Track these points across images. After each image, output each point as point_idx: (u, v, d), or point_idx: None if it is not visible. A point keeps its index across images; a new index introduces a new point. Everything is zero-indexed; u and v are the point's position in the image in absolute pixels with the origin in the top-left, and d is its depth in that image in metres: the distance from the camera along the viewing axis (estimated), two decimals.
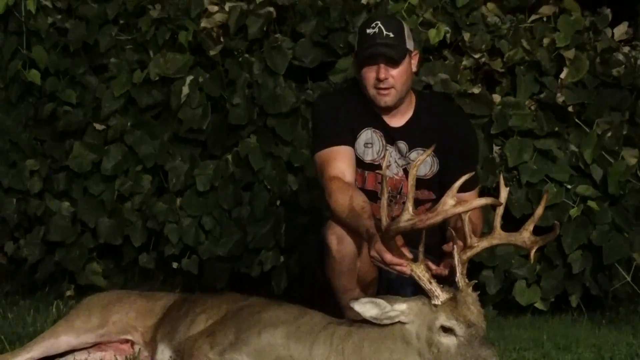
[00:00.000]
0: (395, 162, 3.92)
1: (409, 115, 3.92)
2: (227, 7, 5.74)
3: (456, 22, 5.35)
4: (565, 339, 4.47)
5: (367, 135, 3.89)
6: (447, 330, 3.07)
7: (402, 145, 3.90)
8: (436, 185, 3.89)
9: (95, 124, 5.80)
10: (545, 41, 5.25)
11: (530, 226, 3.26)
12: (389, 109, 3.87)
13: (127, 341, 4.00)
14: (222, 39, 5.66)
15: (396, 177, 3.92)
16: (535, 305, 5.22)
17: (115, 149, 5.75)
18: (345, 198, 3.61)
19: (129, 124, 5.74)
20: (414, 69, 3.90)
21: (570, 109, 5.11)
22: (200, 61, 5.70)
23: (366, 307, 3.16)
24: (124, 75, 5.76)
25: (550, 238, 3.28)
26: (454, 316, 3.07)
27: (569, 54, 5.15)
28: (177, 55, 5.65)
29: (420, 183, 3.82)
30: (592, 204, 5.04)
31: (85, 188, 5.85)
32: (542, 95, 5.15)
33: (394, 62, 3.77)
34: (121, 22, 5.88)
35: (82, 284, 5.93)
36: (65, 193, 5.94)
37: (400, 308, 3.16)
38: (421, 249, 3.18)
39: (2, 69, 6.08)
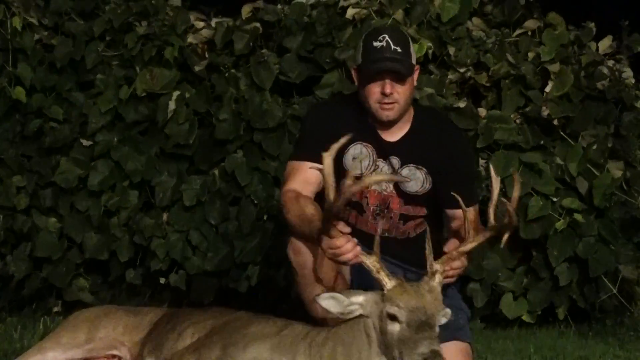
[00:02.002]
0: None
1: (405, 130, 3.86)
2: (213, 23, 5.77)
3: (441, 37, 5.37)
4: (553, 351, 4.49)
5: (355, 149, 3.81)
6: (392, 317, 3.07)
7: (395, 160, 3.85)
8: (430, 202, 3.84)
9: (82, 140, 5.80)
10: (530, 55, 5.28)
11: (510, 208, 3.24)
12: (388, 124, 3.82)
13: (114, 356, 3.99)
14: (207, 55, 5.68)
15: (384, 192, 3.88)
16: (523, 318, 5.23)
17: (102, 165, 5.75)
18: (296, 207, 3.58)
19: (115, 139, 5.74)
20: (415, 83, 3.84)
21: (555, 122, 5.14)
22: (186, 77, 5.70)
23: (329, 303, 3.17)
24: (110, 91, 5.76)
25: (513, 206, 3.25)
26: (396, 303, 3.06)
27: (554, 67, 5.18)
28: (164, 71, 5.66)
29: (413, 199, 3.82)
30: (578, 216, 5.06)
31: (72, 204, 5.84)
32: (527, 109, 5.18)
33: (401, 78, 3.72)
34: (107, 38, 5.88)
35: (69, 299, 5.91)
36: (52, 209, 5.92)
37: (357, 300, 3.17)
38: (377, 238, 3.18)
39: None
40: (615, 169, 5.15)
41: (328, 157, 3.15)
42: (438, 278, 3.17)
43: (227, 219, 5.53)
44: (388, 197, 3.89)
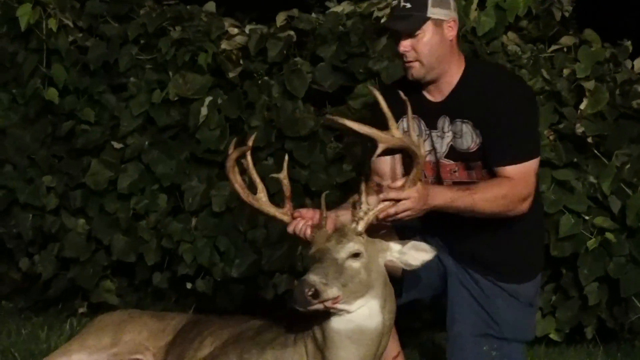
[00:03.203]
0: (433, 146, 3.83)
1: (453, 85, 3.77)
2: (247, 30, 5.76)
3: (476, 51, 5.34)
4: None
5: (403, 126, 3.70)
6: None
7: (445, 119, 3.79)
8: (482, 159, 3.76)
9: (112, 142, 5.81)
10: (565, 72, 5.23)
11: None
12: (427, 83, 3.77)
13: None
14: (241, 61, 5.67)
15: (441, 160, 3.83)
16: (550, 336, 5.18)
17: (132, 168, 5.76)
18: None
19: (146, 143, 5.75)
20: (450, 37, 3.73)
21: (589, 140, 5.08)
22: (219, 83, 5.70)
23: None
24: (142, 95, 5.77)
25: None
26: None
27: (589, 85, 5.13)
28: (197, 77, 5.66)
29: (467, 156, 3.77)
30: (609, 235, 4.99)
31: (101, 205, 5.86)
32: (561, 126, 5.13)
33: (410, 34, 3.65)
34: (142, 42, 5.88)
35: (95, 301, 5.93)
36: (81, 210, 5.94)
37: None
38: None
39: (22, 86, 6.11)
40: None
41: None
42: (355, 221, 3.31)
43: (255, 226, 5.52)
44: (441, 166, 3.84)
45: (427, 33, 3.67)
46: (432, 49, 3.68)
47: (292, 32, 5.63)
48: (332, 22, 5.57)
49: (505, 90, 3.74)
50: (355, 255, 3.26)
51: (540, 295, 5.08)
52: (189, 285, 5.76)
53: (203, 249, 5.62)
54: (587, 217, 5.04)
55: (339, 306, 3.20)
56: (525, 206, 3.68)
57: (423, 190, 3.39)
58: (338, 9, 5.64)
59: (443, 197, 3.51)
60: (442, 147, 3.81)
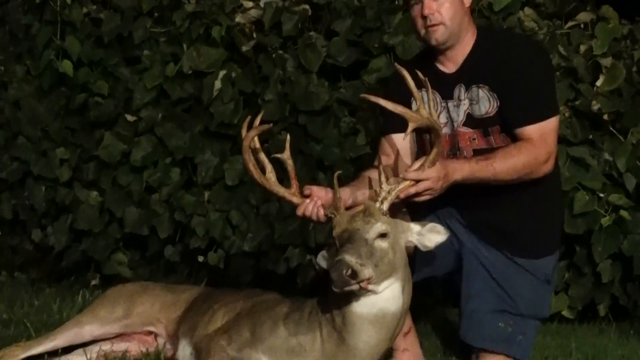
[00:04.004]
0: (449, 117, 3.84)
1: (466, 53, 3.80)
2: (262, 4, 5.71)
3: (492, 26, 5.30)
4: (594, 348, 4.43)
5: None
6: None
7: (460, 88, 3.81)
8: (499, 123, 3.78)
9: (126, 115, 5.81)
10: (582, 48, 5.18)
11: None
12: (444, 50, 3.79)
13: (150, 333, 4.02)
14: (255, 35, 5.64)
15: (458, 128, 3.84)
16: (563, 313, 5.16)
17: (145, 141, 5.75)
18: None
19: (160, 116, 5.73)
20: (467, 3, 3.80)
21: (605, 117, 5.04)
22: (233, 56, 5.67)
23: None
24: (156, 68, 5.75)
25: None
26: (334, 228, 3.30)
27: (606, 61, 5.08)
28: (211, 50, 5.63)
29: (485, 122, 3.78)
30: (624, 213, 4.95)
31: (114, 178, 5.86)
32: (577, 103, 5.08)
33: None
34: (156, 14, 5.85)
35: (107, 273, 5.95)
36: (94, 182, 5.96)
37: None
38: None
39: (36, 58, 6.11)
40: None
41: None
42: (379, 201, 3.32)
43: (268, 200, 5.50)
44: (454, 138, 3.85)
45: None
46: (455, 13, 3.73)
47: (307, 6, 5.58)
48: None
49: (518, 50, 3.77)
50: (383, 235, 3.26)
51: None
52: (201, 259, 5.75)
53: (215, 222, 5.61)
54: (601, 195, 5.00)
55: (370, 287, 3.19)
56: (548, 167, 3.71)
57: (442, 169, 3.40)
58: None
59: (462, 171, 3.51)
60: (460, 115, 3.82)
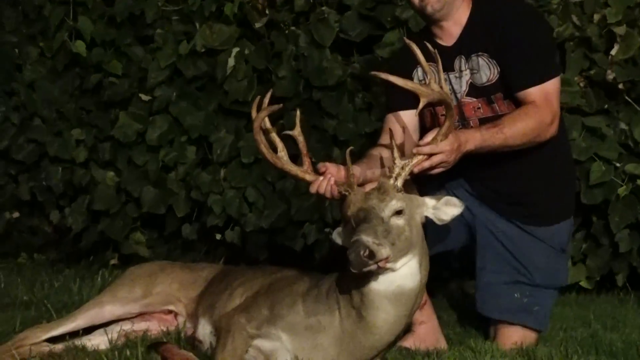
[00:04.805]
0: (452, 89, 3.84)
1: (463, 24, 3.83)
2: None
3: None
4: (612, 318, 4.43)
5: (418, 74, 3.86)
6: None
7: (461, 59, 3.84)
8: (502, 89, 3.80)
9: (140, 95, 5.82)
10: (596, 17, 5.13)
11: None
12: (440, 21, 3.82)
13: (170, 312, 4.03)
14: (267, 12, 5.62)
15: (462, 99, 3.86)
16: (581, 283, 5.16)
17: (160, 120, 5.76)
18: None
19: (174, 94, 5.74)
20: None
21: (620, 86, 5.01)
22: (246, 33, 5.66)
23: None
24: (169, 47, 5.75)
25: None
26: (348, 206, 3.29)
27: (620, 30, 5.04)
28: (223, 27, 5.63)
29: (488, 90, 3.79)
30: None
31: (130, 158, 5.88)
32: (591, 72, 5.06)
33: None
34: None
35: (125, 253, 5.98)
36: (110, 163, 5.98)
37: None
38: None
39: (49, 39, 6.12)
40: None
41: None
42: (393, 178, 3.30)
43: (284, 177, 5.50)
44: (464, 105, 3.85)
45: None
46: None
47: None
48: None
49: (514, 16, 3.79)
50: (399, 212, 3.24)
51: (571, 243, 5.05)
52: (218, 236, 5.78)
53: (232, 200, 5.63)
54: (618, 164, 4.98)
55: (388, 265, 3.19)
56: (553, 129, 3.72)
57: (455, 140, 3.39)
58: None
59: (474, 140, 3.51)
60: (462, 86, 3.85)
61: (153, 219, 6.00)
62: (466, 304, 4.69)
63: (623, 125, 5.01)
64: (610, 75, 4.98)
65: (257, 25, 5.57)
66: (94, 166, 6.02)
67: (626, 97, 5.04)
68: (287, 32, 5.55)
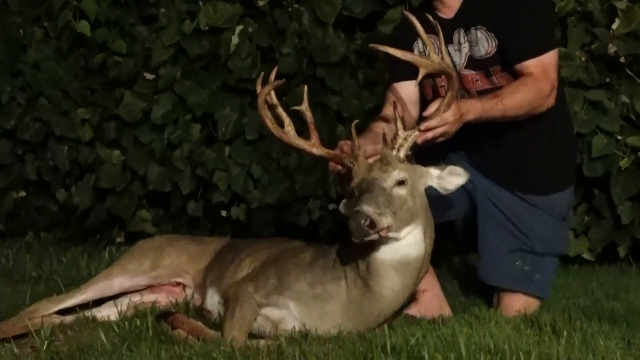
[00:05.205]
0: (451, 60, 3.84)
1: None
2: None
3: None
4: (615, 287, 4.48)
5: (419, 46, 3.92)
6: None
7: (460, 32, 3.89)
8: (500, 62, 3.85)
9: (145, 74, 5.85)
10: None
11: None
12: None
13: (178, 284, 4.09)
14: None
15: (461, 72, 3.90)
16: (583, 255, 5.20)
17: (165, 98, 5.80)
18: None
19: (178, 73, 5.78)
20: None
21: (622, 59, 5.05)
22: (249, 11, 5.68)
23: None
24: (173, 26, 5.78)
25: None
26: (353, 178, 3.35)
27: (621, 4, 5.06)
28: (227, 5, 5.66)
29: (486, 62, 3.84)
30: None
31: (135, 136, 5.93)
32: (593, 46, 5.09)
33: None
34: None
35: (132, 230, 6.03)
36: (115, 141, 6.03)
37: None
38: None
39: (53, 19, 6.16)
40: None
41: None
42: (396, 149, 3.37)
43: (288, 153, 5.55)
44: (463, 77, 3.89)
45: None
46: None
47: None
48: None
49: None
50: (401, 182, 3.30)
51: (573, 216, 5.11)
52: (224, 213, 5.83)
53: (237, 176, 5.67)
54: (619, 137, 5.03)
55: (391, 234, 3.25)
56: (551, 101, 3.78)
57: (457, 111, 3.44)
58: None
59: (475, 110, 3.56)
60: (461, 59, 3.90)
61: (158, 197, 6.05)
62: (470, 276, 4.73)
63: (624, 99, 5.05)
64: (612, 49, 5.01)
65: (261, 3, 5.59)
66: (99, 145, 6.06)
67: (627, 71, 5.07)
68: (290, 10, 5.57)
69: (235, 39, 5.60)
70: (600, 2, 5.08)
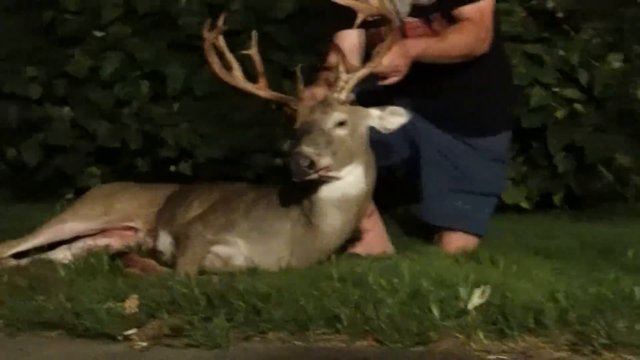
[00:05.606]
0: (395, 9, 3.99)
1: None
2: None
3: None
4: (549, 230, 4.64)
5: None
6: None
7: None
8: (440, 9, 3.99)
9: (94, 32, 5.91)
10: None
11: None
12: None
13: (130, 228, 4.19)
14: None
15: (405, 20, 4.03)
16: (521, 204, 5.38)
17: (114, 56, 5.86)
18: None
19: (128, 31, 5.85)
20: None
21: (559, 15, 5.24)
22: None
23: None
24: None
25: None
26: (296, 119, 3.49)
27: None
28: None
29: (428, 10, 3.98)
30: (577, 106, 5.18)
31: (84, 94, 5.97)
32: (532, 2, 5.27)
33: None
34: None
35: (80, 187, 6.06)
36: (64, 99, 6.06)
37: None
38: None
39: None
40: (615, 61, 5.27)
41: None
42: (337, 91, 3.49)
43: (236, 109, 5.65)
44: (406, 27, 4.01)
45: None
46: None
47: None
48: None
49: None
50: (341, 123, 3.44)
51: (512, 166, 5.28)
52: (172, 168, 5.90)
53: (185, 132, 5.76)
54: (556, 89, 5.21)
55: (331, 174, 3.40)
56: (486, 45, 3.95)
57: (400, 47, 3.58)
58: None
59: (419, 46, 3.74)
60: (404, 7, 4.03)
61: (107, 154, 6.10)
62: (412, 223, 4.87)
63: (561, 52, 5.23)
64: (550, 5, 5.19)
65: None
66: (48, 103, 6.10)
67: (564, 26, 5.26)
68: None
69: None
70: None
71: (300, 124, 3.46)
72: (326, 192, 3.48)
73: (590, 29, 5.25)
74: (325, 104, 3.47)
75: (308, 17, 5.53)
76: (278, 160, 5.57)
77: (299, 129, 3.45)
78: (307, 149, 3.31)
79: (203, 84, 5.67)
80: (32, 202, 5.96)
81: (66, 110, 6.04)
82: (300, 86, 3.52)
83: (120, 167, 6.08)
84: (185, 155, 5.83)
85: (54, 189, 6.21)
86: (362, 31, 4.03)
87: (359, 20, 3.52)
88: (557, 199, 5.37)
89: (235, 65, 3.69)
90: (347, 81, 3.50)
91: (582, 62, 5.22)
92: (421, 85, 3.97)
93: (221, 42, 3.70)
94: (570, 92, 5.20)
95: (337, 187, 3.47)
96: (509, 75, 4.43)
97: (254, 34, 3.73)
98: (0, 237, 4.56)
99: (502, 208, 5.26)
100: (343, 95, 3.50)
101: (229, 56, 3.70)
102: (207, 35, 3.68)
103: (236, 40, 5.45)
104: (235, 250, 3.66)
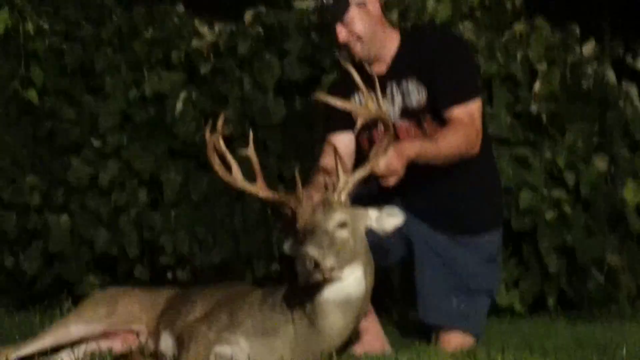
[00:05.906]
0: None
1: (393, 52, 4.19)
2: (216, 29, 6.03)
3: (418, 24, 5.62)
4: (544, 331, 4.74)
5: (355, 100, 4.14)
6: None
7: (392, 84, 4.16)
8: (430, 112, 4.12)
9: (92, 140, 6.06)
10: (519, 56, 5.53)
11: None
12: (375, 58, 4.16)
13: (132, 331, 4.24)
14: (212, 57, 5.93)
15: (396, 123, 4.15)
16: (514, 307, 5.44)
17: (111, 164, 5.99)
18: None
19: (125, 139, 6.00)
20: (376, 14, 4.13)
21: (543, 118, 5.40)
22: (192, 78, 5.96)
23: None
24: (119, 94, 6.03)
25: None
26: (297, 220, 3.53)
27: (541, 66, 5.45)
28: (171, 74, 5.92)
29: (418, 112, 4.13)
30: (566, 208, 5.30)
31: (83, 202, 6.08)
32: (517, 107, 5.44)
33: (343, 20, 4.05)
34: (116, 41, 6.14)
35: (80, 294, 6.10)
36: (63, 207, 6.15)
37: None
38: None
39: (1, 88, 6.34)
40: (601, 163, 5.41)
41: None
42: (337, 192, 3.56)
43: (233, 214, 5.75)
44: (396, 128, 4.10)
45: (354, 15, 4.07)
46: (366, 25, 4.10)
47: (260, 29, 5.89)
48: (298, 18, 5.84)
49: (439, 41, 4.19)
50: (343, 224, 3.51)
51: (504, 269, 5.36)
52: (169, 275, 5.98)
53: (183, 239, 5.85)
54: (544, 191, 5.33)
55: (334, 274, 3.45)
56: (477, 146, 4.08)
57: (395, 150, 3.71)
58: (303, 5, 5.90)
59: (414, 147, 3.84)
60: (395, 110, 4.18)
61: (106, 261, 6.16)
62: (410, 327, 4.91)
63: (547, 155, 5.38)
64: (534, 108, 5.36)
65: (203, 71, 5.86)
66: (48, 211, 6.18)
67: (549, 129, 5.42)
68: (231, 76, 5.85)
69: (179, 105, 5.85)
70: (522, 65, 5.44)
71: (302, 225, 3.53)
72: (328, 293, 3.53)
73: (574, 131, 5.39)
74: (326, 205, 3.56)
75: (301, 123, 5.66)
76: (275, 266, 5.64)
77: (301, 231, 3.52)
78: (312, 250, 3.38)
79: (199, 190, 5.78)
80: (32, 310, 5.99)
81: (65, 218, 6.12)
82: (300, 187, 3.61)
83: (119, 275, 6.13)
84: (184, 262, 5.90)
85: (53, 298, 6.24)
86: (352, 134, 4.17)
87: (359, 124, 3.63)
88: (551, 301, 5.43)
89: (235, 166, 3.79)
90: (346, 182, 3.61)
91: (569, 163, 5.35)
92: (413, 186, 4.08)
93: (221, 143, 3.81)
94: (558, 194, 5.32)
95: (339, 288, 3.52)
96: (497, 175, 4.55)
97: (251, 134, 3.83)
98: (2, 344, 4.65)
99: (496, 311, 5.35)
100: (343, 196, 3.59)
101: (229, 157, 3.80)
102: (209, 137, 3.79)
103: (231, 147, 5.65)
104: (238, 350, 3.70)
